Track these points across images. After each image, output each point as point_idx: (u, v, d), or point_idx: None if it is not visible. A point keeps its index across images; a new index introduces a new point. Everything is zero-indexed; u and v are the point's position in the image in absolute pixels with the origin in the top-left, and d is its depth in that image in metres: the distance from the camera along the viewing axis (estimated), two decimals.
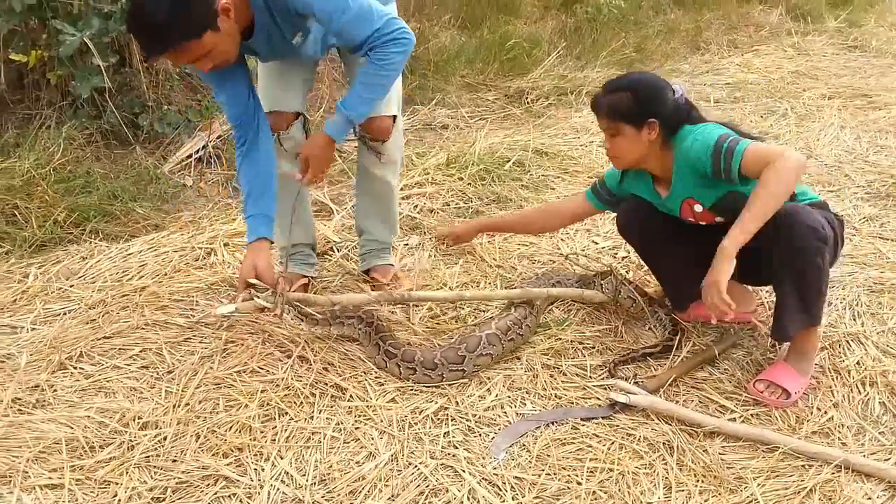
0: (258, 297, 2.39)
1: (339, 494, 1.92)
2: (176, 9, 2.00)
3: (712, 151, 2.19)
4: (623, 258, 3.05)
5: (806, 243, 2.15)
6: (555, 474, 2.00)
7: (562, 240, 3.21)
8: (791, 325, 2.25)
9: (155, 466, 1.97)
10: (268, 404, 2.18)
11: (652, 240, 2.53)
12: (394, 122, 2.64)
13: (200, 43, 2.08)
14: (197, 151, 3.72)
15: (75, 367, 2.30)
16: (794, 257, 2.17)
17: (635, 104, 2.30)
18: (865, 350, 2.53)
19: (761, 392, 2.27)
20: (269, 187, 2.50)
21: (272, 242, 2.53)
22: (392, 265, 2.90)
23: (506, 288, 2.82)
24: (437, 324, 2.63)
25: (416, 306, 2.69)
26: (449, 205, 3.49)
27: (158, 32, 2.03)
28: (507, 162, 3.88)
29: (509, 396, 2.29)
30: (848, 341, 2.56)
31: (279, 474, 1.97)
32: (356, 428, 2.14)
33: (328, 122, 2.38)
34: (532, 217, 2.99)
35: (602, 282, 2.71)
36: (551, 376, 2.37)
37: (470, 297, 2.65)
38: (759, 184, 2.10)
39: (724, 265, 2.10)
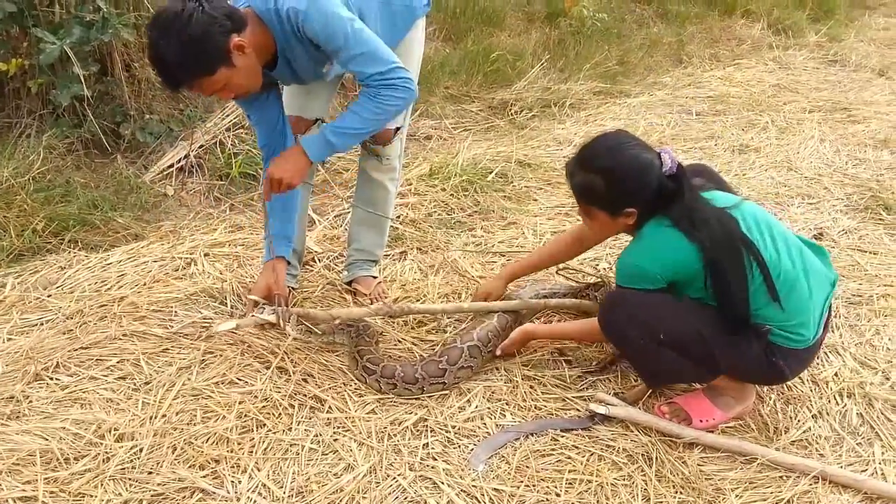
0: (260, 314, 2.40)
1: None
2: (185, 49, 2.04)
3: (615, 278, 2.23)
4: (605, 269, 3.05)
5: (600, 326, 2.21)
6: (534, 486, 2.00)
7: None
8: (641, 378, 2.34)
9: (130, 479, 1.95)
10: (245, 416, 2.17)
11: None
12: (395, 132, 2.66)
13: (212, 79, 2.12)
14: (179, 161, 3.69)
15: (51, 378, 2.28)
16: None
17: (611, 192, 2.08)
18: (844, 361, 2.55)
19: (664, 413, 2.24)
20: (292, 208, 2.56)
21: (289, 263, 2.60)
22: (375, 277, 2.90)
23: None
24: (418, 335, 2.63)
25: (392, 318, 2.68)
26: (431, 215, 3.49)
27: (171, 70, 2.10)
28: (490, 173, 3.88)
29: (489, 408, 2.29)
30: (826, 353, 2.57)
31: (256, 486, 1.95)
32: (334, 440, 2.13)
33: (306, 138, 2.35)
34: (559, 248, 2.68)
35: (596, 293, 2.72)
36: (531, 387, 2.37)
37: (468, 309, 2.64)
38: (585, 323, 2.44)
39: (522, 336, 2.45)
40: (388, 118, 2.32)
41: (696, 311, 2.10)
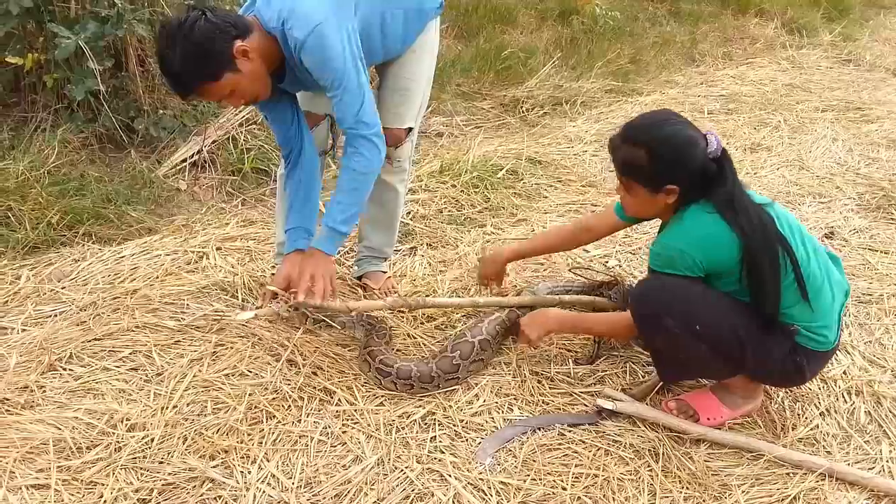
0: (278, 308, 2.42)
1: (324, 498, 1.93)
2: (189, 56, 2.09)
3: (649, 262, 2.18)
4: (612, 266, 3.06)
5: (632, 313, 2.16)
6: (540, 479, 2.01)
7: None
8: (656, 370, 2.32)
9: (141, 468, 1.97)
10: (255, 407, 2.19)
11: None
12: (407, 133, 2.67)
13: (219, 84, 2.16)
14: (192, 156, 3.73)
15: (65, 369, 2.31)
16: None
17: (654, 166, 2.04)
18: (852, 360, 2.55)
19: (672, 410, 2.24)
20: (310, 202, 2.58)
21: None
22: (385, 272, 2.92)
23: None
24: (427, 330, 2.64)
25: (402, 314, 2.69)
26: (442, 212, 3.51)
27: (177, 77, 2.16)
28: (501, 170, 3.89)
29: (497, 402, 2.30)
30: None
31: (265, 477, 1.97)
32: (343, 432, 2.14)
33: (319, 241, 2.41)
34: (563, 236, 2.74)
35: (609, 292, 2.72)
36: (539, 382, 2.38)
37: (484, 304, 2.65)
38: (611, 316, 2.44)
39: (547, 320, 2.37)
40: (374, 177, 2.39)
41: (731, 306, 2.08)
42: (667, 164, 2.04)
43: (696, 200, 2.08)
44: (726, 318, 2.07)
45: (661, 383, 2.33)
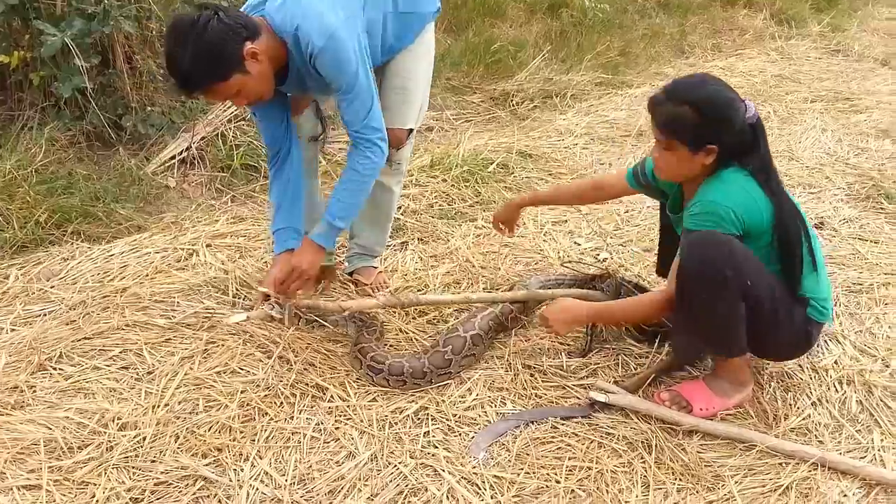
0: (270, 311, 2.43)
1: (318, 494, 1.92)
2: (199, 55, 2.09)
3: (684, 226, 2.15)
4: (604, 259, 3.06)
5: (687, 264, 2.09)
6: (534, 473, 2.01)
7: (544, 240, 3.22)
8: (675, 344, 2.33)
9: (133, 467, 1.96)
10: (248, 405, 2.18)
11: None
12: (408, 134, 2.66)
13: (227, 85, 2.16)
14: (180, 153, 3.70)
15: (55, 368, 2.29)
16: (678, 273, 2.12)
17: (698, 124, 2.06)
18: (843, 349, 2.55)
19: (664, 401, 2.24)
20: (298, 202, 2.58)
21: None
22: (376, 267, 2.91)
23: (489, 290, 2.83)
24: (419, 325, 2.64)
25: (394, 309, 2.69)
26: (432, 206, 3.50)
27: (185, 76, 2.14)
28: (492, 164, 3.89)
29: (489, 396, 2.30)
30: (826, 340, 2.58)
31: (258, 474, 1.97)
32: (336, 428, 2.14)
33: (316, 233, 2.45)
34: (576, 191, 2.86)
35: (602, 284, 2.72)
36: (531, 376, 2.38)
37: (477, 300, 2.64)
38: (630, 301, 2.41)
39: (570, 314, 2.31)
40: (374, 178, 2.45)
41: (764, 268, 2.11)
42: (711, 123, 2.07)
43: (728, 165, 2.11)
44: (766, 277, 2.11)
45: (653, 375, 2.34)
